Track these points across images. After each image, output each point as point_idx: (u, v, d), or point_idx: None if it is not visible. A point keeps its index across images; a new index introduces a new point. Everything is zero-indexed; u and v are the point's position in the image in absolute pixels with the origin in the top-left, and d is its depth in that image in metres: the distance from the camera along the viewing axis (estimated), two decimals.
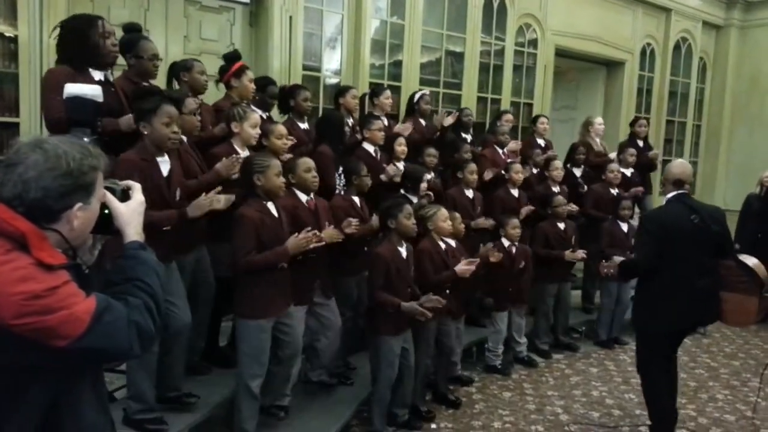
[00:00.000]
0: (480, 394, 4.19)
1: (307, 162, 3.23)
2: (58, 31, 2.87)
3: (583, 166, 5.75)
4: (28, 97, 3.77)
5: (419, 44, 5.66)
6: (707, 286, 3.18)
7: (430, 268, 3.61)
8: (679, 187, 3.29)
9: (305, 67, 5.04)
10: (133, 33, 3.21)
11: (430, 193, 4.18)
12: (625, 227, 5.08)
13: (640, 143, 6.27)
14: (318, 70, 5.17)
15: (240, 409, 2.98)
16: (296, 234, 2.90)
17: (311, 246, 2.93)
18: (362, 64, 5.29)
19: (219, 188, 2.90)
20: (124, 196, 1.39)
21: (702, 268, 3.17)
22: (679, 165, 3.41)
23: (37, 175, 1.18)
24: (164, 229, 2.68)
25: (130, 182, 1.43)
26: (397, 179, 4.11)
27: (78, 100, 2.29)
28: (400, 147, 4.34)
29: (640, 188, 5.73)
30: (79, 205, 1.23)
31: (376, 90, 4.83)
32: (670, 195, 3.32)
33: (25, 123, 3.78)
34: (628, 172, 5.83)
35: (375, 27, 5.41)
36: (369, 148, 4.24)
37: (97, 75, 2.90)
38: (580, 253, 4.72)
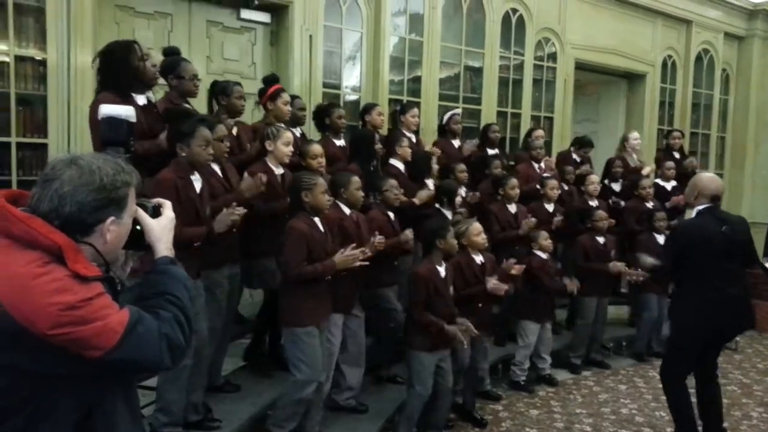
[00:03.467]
0: (507, 411, 4.11)
1: (359, 181, 3.38)
2: (98, 59, 2.95)
3: (621, 181, 5.70)
4: (56, 119, 3.85)
5: (438, 60, 5.68)
6: (738, 293, 3.27)
7: (461, 282, 3.60)
8: (714, 201, 3.33)
9: (325, 85, 5.09)
10: (173, 55, 3.34)
11: (462, 210, 4.19)
12: (661, 239, 5.00)
13: (677, 155, 6.21)
14: (338, 87, 5.22)
15: (285, 411, 3.03)
16: (342, 250, 3.01)
17: (357, 264, 3.03)
18: (381, 80, 5.32)
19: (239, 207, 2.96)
20: (155, 213, 1.41)
21: (732, 277, 3.26)
22: (712, 179, 3.43)
23: (72, 190, 1.21)
24: (195, 244, 2.77)
25: (161, 200, 1.46)
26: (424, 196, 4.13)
27: (112, 121, 2.36)
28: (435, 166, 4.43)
29: (681, 197, 5.63)
30: (111, 219, 1.26)
31: (403, 107, 4.88)
32: (701, 207, 3.34)
33: (53, 143, 3.85)
34: (669, 185, 5.77)
35: (393, 44, 5.44)
36: (398, 165, 4.27)
37: (141, 99, 2.98)
38: (622, 266, 4.65)
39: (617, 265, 4.63)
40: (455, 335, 3.27)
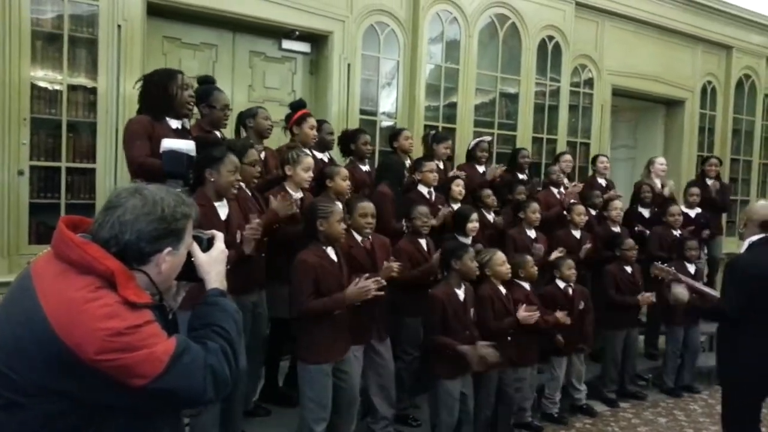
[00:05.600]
0: None
1: (364, 207, 3.27)
2: (141, 83, 3.08)
3: (650, 206, 5.62)
4: (105, 145, 4.01)
5: (473, 87, 5.71)
6: None
7: (491, 315, 3.57)
8: (764, 230, 3.09)
9: (362, 111, 5.17)
10: (207, 84, 3.42)
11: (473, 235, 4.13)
12: (692, 268, 4.89)
13: (710, 182, 6.11)
14: (374, 113, 5.29)
15: None
16: (356, 281, 2.91)
17: (370, 296, 2.92)
18: (417, 106, 5.38)
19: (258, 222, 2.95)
20: (209, 245, 1.44)
21: None
22: (764, 206, 3.20)
23: (134, 219, 1.25)
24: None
25: (214, 231, 1.49)
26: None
27: (174, 154, 2.45)
28: (457, 188, 4.40)
29: (707, 231, 5.55)
30: (168, 249, 1.29)
31: (438, 136, 4.94)
32: (754, 238, 3.10)
33: (101, 169, 4.00)
34: (693, 212, 5.68)
35: (429, 71, 5.51)
36: (423, 189, 4.28)
37: (174, 123, 3.07)
38: (651, 297, 4.57)
39: (647, 297, 4.56)
40: (470, 356, 3.19)
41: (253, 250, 2.90)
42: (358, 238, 3.31)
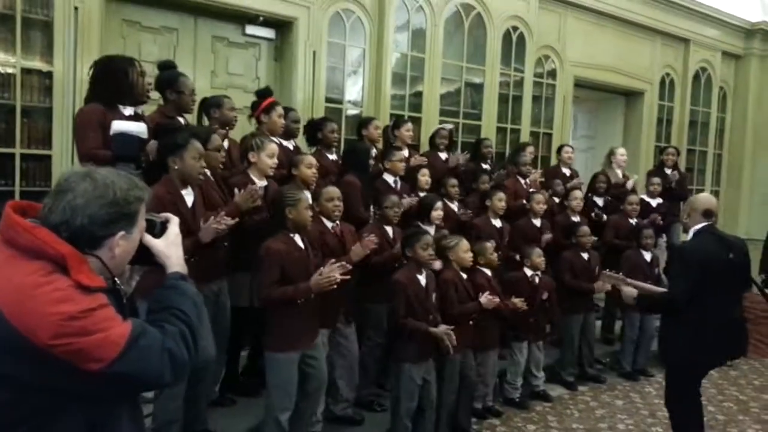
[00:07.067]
0: (504, 426, 4.12)
1: (329, 192, 3.31)
2: (93, 70, 3.00)
3: (605, 196, 5.74)
4: (61, 131, 3.90)
5: (439, 76, 5.74)
6: (739, 316, 3.22)
7: (455, 298, 3.62)
8: (708, 218, 3.27)
9: (327, 99, 5.14)
10: (171, 70, 3.35)
11: (439, 223, 4.17)
12: (647, 256, 5.03)
13: (668, 171, 6.27)
14: (340, 102, 5.27)
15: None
16: (319, 271, 2.88)
17: (334, 285, 2.88)
18: (383, 95, 5.38)
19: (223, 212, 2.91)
20: (162, 229, 1.42)
21: (732, 301, 3.20)
22: (706, 196, 3.43)
23: (85, 203, 1.22)
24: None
25: (168, 215, 1.46)
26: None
27: (125, 137, 2.39)
28: (424, 177, 4.41)
29: (657, 215, 5.69)
30: (121, 233, 1.27)
31: (397, 122, 4.92)
32: (698, 227, 3.27)
33: (57, 156, 3.90)
34: (654, 202, 5.83)
35: (396, 59, 5.51)
36: (389, 178, 4.28)
37: (128, 110, 3.00)
38: (607, 285, 4.66)
39: (601, 285, 4.60)
40: (442, 337, 3.23)
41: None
42: (329, 224, 3.33)
